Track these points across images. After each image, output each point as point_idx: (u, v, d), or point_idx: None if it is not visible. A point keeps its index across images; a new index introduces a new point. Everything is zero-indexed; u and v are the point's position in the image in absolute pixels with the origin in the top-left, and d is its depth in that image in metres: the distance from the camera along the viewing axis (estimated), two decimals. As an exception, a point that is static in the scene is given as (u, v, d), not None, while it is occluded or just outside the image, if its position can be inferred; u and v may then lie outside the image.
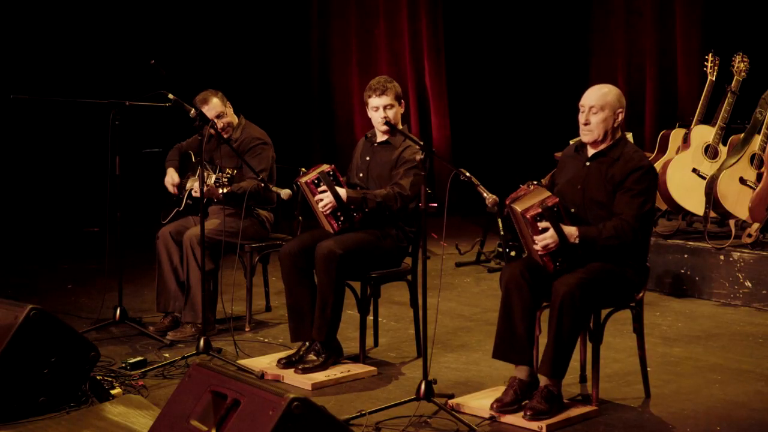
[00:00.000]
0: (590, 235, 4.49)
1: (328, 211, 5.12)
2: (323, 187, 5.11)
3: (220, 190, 5.45)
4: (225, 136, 5.98)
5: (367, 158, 5.42)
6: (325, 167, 5.18)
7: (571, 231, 4.47)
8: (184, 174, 6.14)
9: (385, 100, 5.27)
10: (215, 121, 5.90)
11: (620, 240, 4.49)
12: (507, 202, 4.57)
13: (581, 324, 4.51)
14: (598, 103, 4.61)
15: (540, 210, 4.44)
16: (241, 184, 5.77)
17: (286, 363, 5.18)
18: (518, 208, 4.50)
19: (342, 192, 5.12)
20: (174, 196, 6.11)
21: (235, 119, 6.09)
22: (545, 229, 4.43)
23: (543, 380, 4.51)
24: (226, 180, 5.39)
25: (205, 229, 5.58)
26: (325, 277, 5.09)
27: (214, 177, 5.51)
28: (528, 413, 4.41)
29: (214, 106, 5.96)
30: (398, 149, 5.30)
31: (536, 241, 4.45)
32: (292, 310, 5.25)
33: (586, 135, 4.66)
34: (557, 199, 4.50)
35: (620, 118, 4.63)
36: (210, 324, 5.73)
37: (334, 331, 5.17)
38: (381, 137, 5.40)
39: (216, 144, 5.97)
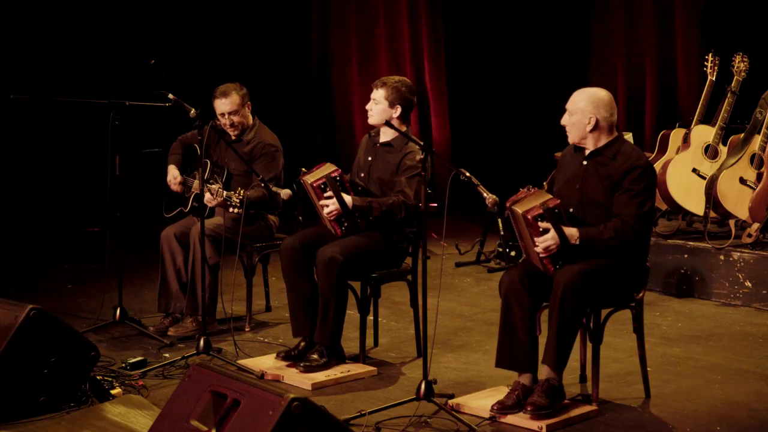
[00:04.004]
0: (591, 237, 4.49)
1: (332, 218, 5.12)
2: (329, 193, 5.09)
3: (231, 210, 5.39)
4: (235, 133, 5.95)
5: (369, 158, 5.41)
6: (331, 170, 5.16)
7: (571, 232, 4.48)
8: (188, 169, 6.08)
9: (374, 94, 5.31)
10: (226, 115, 5.87)
11: (620, 241, 4.50)
12: (507, 205, 4.58)
13: (582, 313, 4.52)
14: (569, 107, 4.70)
15: (541, 211, 4.44)
16: (249, 194, 5.61)
17: (285, 356, 5.20)
18: (519, 209, 4.50)
19: (348, 199, 5.11)
20: (179, 195, 6.05)
21: (249, 120, 6.02)
22: (546, 230, 4.44)
23: (544, 373, 4.51)
24: (237, 201, 5.32)
25: (211, 225, 5.60)
26: (326, 282, 5.09)
27: (225, 194, 5.42)
28: (529, 408, 4.42)
29: (232, 100, 5.88)
30: (400, 154, 5.28)
31: (537, 243, 4.45)
32: (293, 305, 5.25)
33: (567, 136, 4.75)
34: (558, 201, 4.51)
35: (593, 123, 4.62)
36: (211, 316, 5.74)
37: (338, 335, 5.17)
38: (383, 137, 5.39)
39: (225, 145, 5.92)
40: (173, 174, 6.02)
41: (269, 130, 6.07)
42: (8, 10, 9.39)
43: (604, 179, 4.61)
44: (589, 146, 4.69)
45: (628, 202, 4.54)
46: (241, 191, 5.36)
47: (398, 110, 5.29)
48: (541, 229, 4.45)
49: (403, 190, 5.17)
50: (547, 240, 4.44)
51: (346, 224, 5.15)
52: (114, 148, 5.78)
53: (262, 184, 5.60)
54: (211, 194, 5.53)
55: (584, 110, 4.63)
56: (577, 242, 4.48)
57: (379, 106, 5.29)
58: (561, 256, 4.47)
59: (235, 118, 5.93)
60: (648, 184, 4.59)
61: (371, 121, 5.34)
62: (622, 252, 4.56)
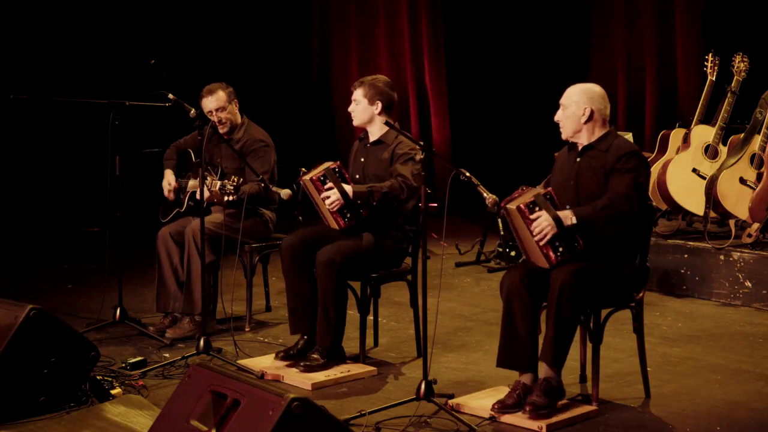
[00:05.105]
0: (586, 212, 4.50)
1: (335, 209, 5.11)
2: (330, 185, 5.09)
3: (226, 198, 5.41)
4: (224, 131, 5.97)
5: (362, 159, 5.42)
6: (331, 164, 5.17)
7: (565, 213, 4.47)
8: (182, 173, 6.13)
9: (353, 95, 5.34)
10: (214, 113, 5.89)
11: (616, 209, 4.50)
12: (502, 205, 4.57)
13: (579, 312, 4.53)
14: (563, 101, 4.74)
15: (533, 199, 4.45)
16: (244, 188, 5.73)
17: (284, 356, 5.20)
18: (511, 206, 4.51)
19: (348, 188, 5.10)
20: (172, 200, 6.09)
21: (237, 118, 6.06)
22: (540, 217, 4.44)
23: (542, 372, 4.51)
24: (232, 188, 5.34)
25: (208, 223, 5.60)
26: (326, 283, 5.09)
27: (219, 183, 5.45)
28: (528, 408, 4.42)
29: (218, 98, 5.93)
30: (390, 146, 5.30)
31: (533, 229, 4.44)
32: (292, 302, 5.25)
33: (561, 132, 4.76)
34: (549, 189, 4.54)
35: (587, 114, 4.65)
36: (209, 316, 5.73)
37: (339, 337, 5.17)
38: (373, 136, 5.40)
39: (216, 143, 5.97)
40: (169, 180, 6.06)
41: (258, 127, 6.11)
42: (8, 10, 9.39)
43: (598, 171, 4.64)
44: (583, 140, 4.71)
45: (621, 177, 4.57)
46: (235, 178, 5.38)
47: (379, 106, 5.31)
48: (535, 217, 4.45)
49: (400, 173, 5.17)
50: (541, 223, 4.42)
51: (348, 215, 5.14)
52: (114, 148, 5.79)
53: (262, 184, 5.62)
54: (206, 187, 5.55)
55: (579, 102, 4.67)
56: (574, 220, 4.46)
57: (359, 106, 5.32)
58: (560, 240, 4.46)
59: (223, 115, 5.97)
60: (639, 165, 4.61)
61: (355, 122, 5.37)
62: (621, 242, 4.58)
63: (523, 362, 4.57)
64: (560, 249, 4.47)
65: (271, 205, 6.06)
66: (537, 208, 4.45)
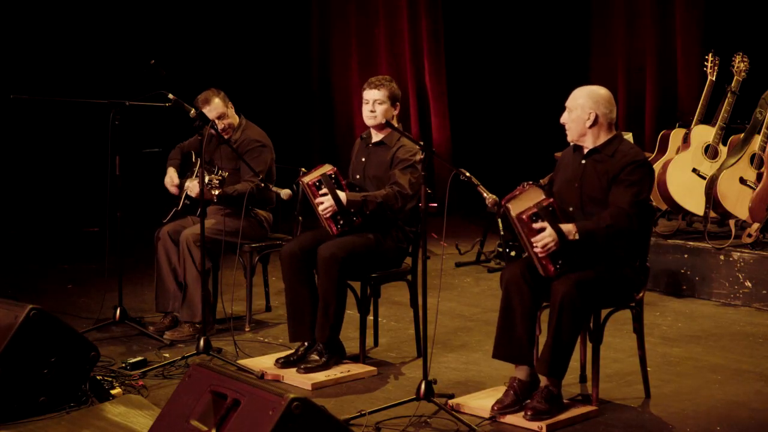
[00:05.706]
0: (589, 228, 4.48)
1: (328, 215, 5.12)
2: (324, 190, 5.10)
3: (213, 192, 5.42)
4: (225, 136, 5.98)
5: (363, 159, 5.42)
6: (328, 169, 5.17)
7: (568, 228, 4.46)
8: (185, 174, 6.14)
9: (375, 94, 5.27)
10: (216, 122, 5.91)
11: (619, 227, 4.48)
12: (503, 203, 4.56)
13: (581, 324, 4.52)
14: (569, 104, 4.71)
15: (536, 210, 4.43)
16: (236, 186, 5.77)
17: (285, 362, 5.19)
18: (513, 212, 4.48)
19: (342, 195, 5.11)
20: (174, 197, 6.11)
21: (236, 120, 6.08)
22: (543, 229, 4.43)
23: (543, 380, 4.52)
24: (217, 182, 5.36)
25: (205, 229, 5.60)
26: (326, 279, 5.09)
27: (207, 179, 5.47)
28: (528, 413, 4.42)
29: (215, 106, 5.94)
30: (392, 149, 5.30)
31: (535, 243, 4.43)
32: (292, 310, 5.25)
33: (567, 134, 4.75)
34: (552, 199, 4.51)
35: (592, 118, 4.63)
36: (209, 324, 5.72)
37: (337, 332, 5.18)
38: (375, 137, 5.40)
39: (216, 144, 5.98)
40: (171, 176, 6.06)
41: (256, 127, 6.12)
42: (8, 10, 9.39)
43: (602, 176, 4.62)
44: (588, 144, 4.69)
45: (624, 192, 4.55)
46: (221, 172, 5.39)
47: (398, 108, 5.32)
48: (537, 229, 4.44)
49: (397, 181, 5.18)
50: (544, 238, 4.41)
51: (341, 222, 5.15)
52: (114, 148, 5.79)
53: (261, 184, 5.62)
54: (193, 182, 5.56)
55: (584, 106, 4.65)
56: (576, 236, 4.45)
57: (383, 106, 5.28)
58: (560, 254, 4.45)
59: (226, 121, 5.99)
60: (644, 177, 4.59)
61: (375, 121, 5.29)
62: (622, 249, 4.57)
63: (519, 355, 4.56)
64: (560, 262, 4.46)
65: (267, 205, 6.06)
66: (540, 220, 4.43)
